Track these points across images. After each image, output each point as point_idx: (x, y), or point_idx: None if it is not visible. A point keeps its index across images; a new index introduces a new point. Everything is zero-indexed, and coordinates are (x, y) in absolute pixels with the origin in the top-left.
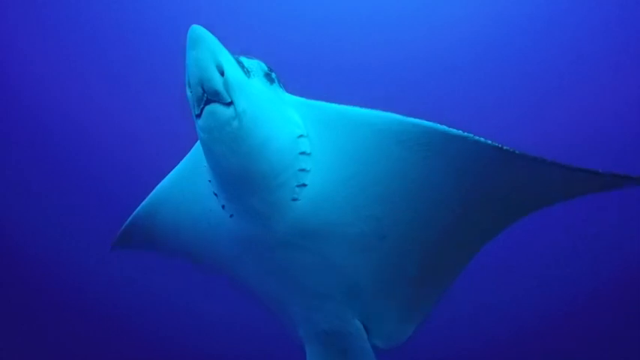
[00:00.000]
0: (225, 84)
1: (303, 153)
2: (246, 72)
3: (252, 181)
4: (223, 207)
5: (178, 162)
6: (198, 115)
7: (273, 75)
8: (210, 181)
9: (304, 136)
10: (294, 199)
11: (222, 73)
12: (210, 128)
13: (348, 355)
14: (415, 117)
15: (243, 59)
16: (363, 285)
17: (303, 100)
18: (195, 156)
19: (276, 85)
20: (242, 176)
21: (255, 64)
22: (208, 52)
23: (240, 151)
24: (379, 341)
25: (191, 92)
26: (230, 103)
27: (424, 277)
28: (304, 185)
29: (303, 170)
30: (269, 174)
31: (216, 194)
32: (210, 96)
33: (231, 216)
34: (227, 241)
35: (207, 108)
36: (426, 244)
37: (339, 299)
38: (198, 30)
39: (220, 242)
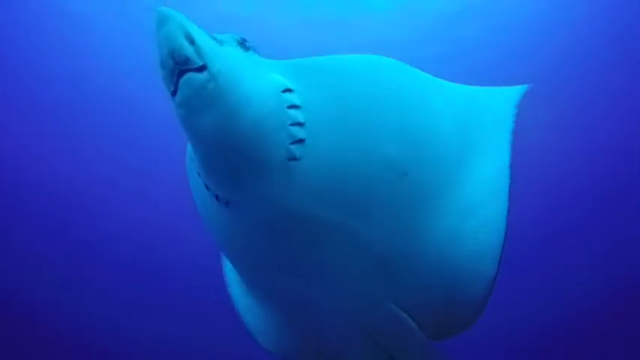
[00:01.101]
0: (197, 50)
1: (292, 106)
2: (219, 41)
3: (238, 148)
4: (217, 197)
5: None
6: (174, 92)
7: (247, 43)
8: (199, 173)
9: (291, 90)
10: (292, 159)
11: (192, 42)
12: (187, 99)
13: (401, 355)
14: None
15: (215, 34)
16: (397, 253)
17: (284, 61)
18: (187, 161)
19: (252, 52)
20: (226, 146)
21: (227, 36)
22: (175, 25)
23: (219, 114)
24: (431, 330)
25: (164, 71)
26: (203, 67)
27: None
28: (301, 141)
29: (296, 124)
30: (254, 135)
31: (207, 186)
32: (183, 65)
33: (227, 204)
34: (231, 241)
35: (182, 79)
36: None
37: (373, 283)
38: (164, 10)
39: (227, 244)
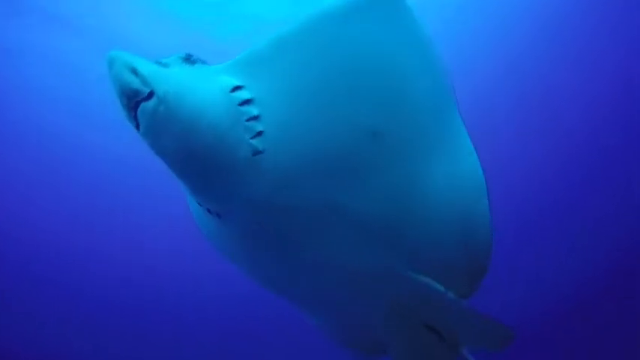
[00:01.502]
0: (142, 80)
1: (244, 102)
2: (163, 65)
3: (204, 157)
4: (209, 212)
5: None
6: (137, 126)
7: (193, 57)
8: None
9: (240, 86)
10: (257, 153)
11: (136, 74)
12: (146, 128)
13: (439, 322)
14: None
15: (161, 59)
16: (391, 216)
17: (230, 61)
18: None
19: (198, 64)
20: (193, 158)
21: (172, 57)
22: (121, 63)
23: (177, 132)
24: (455, 288)
25: (124, 110)
26: (151, 94)
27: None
28: (260, 133)
29: (251, 119)
30: (214, 140)
31: (200, 204)
32: (136, 98)
33: (219, 216)
34: (235, 251)
35: (137, 112)
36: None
37: (382, 253)
38: (111, 53)
39: (232, 255)
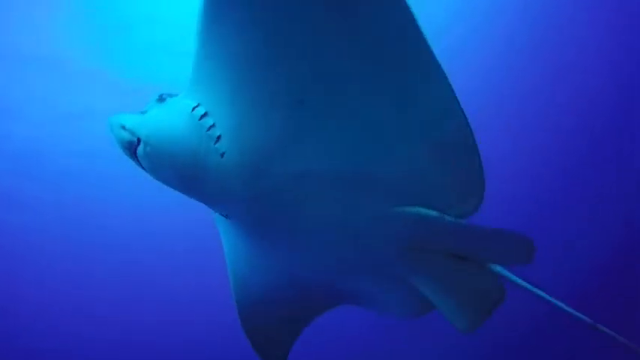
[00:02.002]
0: (130, 132)
1: (202, 116)
2: (143, 112)
3: (189, 173)
4: (223, 215)
5: None
6: (143, 167)
7: (164, 95)
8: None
9: (199, 104)
10: (223, 154)
11: (125, 129)
12: (147, 166)
13: (454, 247)
14: None
15: (145, 107)
16: (362, 162)
17: (189, 84)
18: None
19: (168, 99)
20: (183, 176)
21: (150, 102)
22: (114, 125)
23: (166, 161)
24: (453, 212)
25: (132, 160)
26: (139, 139)
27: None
28: (219, 138)
29: (210, 127)
30: (191, 156)
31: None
32: (131, 148)
33: (227, 217)
34: (253, 251)
35: (137, 157)
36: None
37: (370, 201)
38: (109, 119)
39: (249, 249)
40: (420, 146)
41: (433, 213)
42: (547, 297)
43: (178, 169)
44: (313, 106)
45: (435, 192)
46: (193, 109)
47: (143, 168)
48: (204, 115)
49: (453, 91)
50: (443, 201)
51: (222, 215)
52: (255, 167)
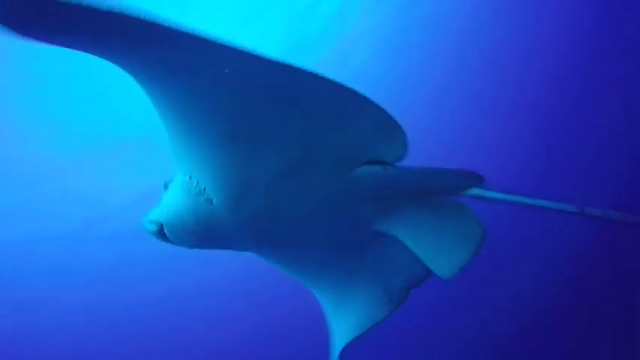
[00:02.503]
0: (155, 222)
1: (189, 181)
2: (160, 204)
3: (201, 229)
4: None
5: None
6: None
7: (167, 184)
8: None
9: (184, 174)
10: (211, 201)
11: (151, 222)
12: (175, 241)
13: (413, 192)
14: None
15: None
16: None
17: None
18: None
19: (170, 184)
20: (199, 233)
21: (162, 192)
22: (145, 222)
23: (182, 229)
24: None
25: (164, 242)
26: (162, 225)
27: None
28: (204, 189)
29: (196, 186)
30: (193, 215)
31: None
32: (161, 234)
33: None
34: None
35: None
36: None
37: (328, 177)
38: (142, 221)
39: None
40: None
41: (375, 167)
42: (528, 201)
43: (191, 230)
44: (240, 141)
45: (364, 149)
46: (186, 182)
47: (174, 244)
48: (189, 178)
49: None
50: (377, 154)
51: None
52: (237, 199)
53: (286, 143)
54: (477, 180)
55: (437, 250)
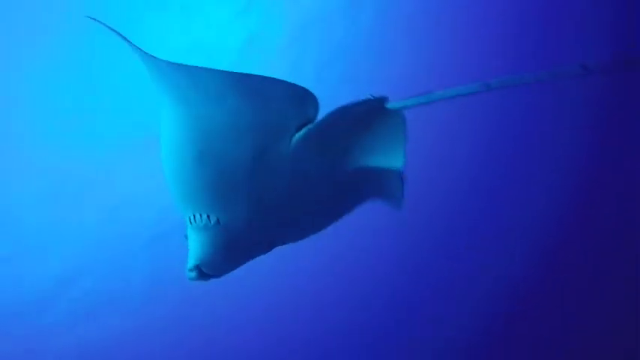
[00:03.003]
0: (193, 268)
1: (194, 216)
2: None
3: (222, 251)
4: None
5: None
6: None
7: (185, 234)
8: None
9: (191, 217)
10: (218, 220)
11: (192, 269)
12: (214, 275)
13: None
14: None
15: None
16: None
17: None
18: None
19: (189, 227)
20: (225, 253)
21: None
22: (186, 272)
23: (212, 260)
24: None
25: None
26: (197, 267)
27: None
28: (209, 216)
29: (201, 216)
30: (210, 243)
31: None
32: (201, 274)
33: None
34: None
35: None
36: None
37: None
38: (186, 273)
39: None
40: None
41: (304, 128)
42: (442, 95)
43: (219, 257)
44: (214, 153)
45: (291, 119)
46: (190, 219)
47: (218, 276)
48: (192, 218)
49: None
50: (297, 120)
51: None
52: (229, 205)
53: (239, 141)
54: (382, 101)
55: (385, 152)
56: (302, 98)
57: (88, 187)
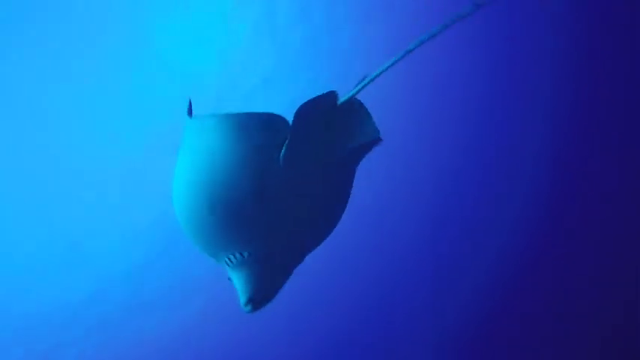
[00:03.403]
0: (247, 302)
1: (228, 259)
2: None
3: (260, 277)
4: None
5: None
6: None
7: (229, 278)
8: None
9: (226, 261)
10: (246, 255)
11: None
12: (266, 302)
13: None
14: None
15: None
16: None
17: None
18: None
19: (231, 278)
20: (278, 285)
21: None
22: (244, 310)
23: (267, 292)
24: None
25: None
26: (251, 298)
27: None
28: (241, 255)
29: (234, 255)
30: (248, 277)
31: None
32: (256, 304)
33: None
34: None
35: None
36: None
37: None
38: (244, 311)
39: None
40: None
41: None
42: (376, 73)
43: (262, 282)
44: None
45: (267, 144)
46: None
47: (271, 300)
48: (227, 261)
49: None
50: (278, 139)
51: None
52: (266, 240)
53: (241, 177)
54: (333, 96)
55: (357, 132)
56: (274, 123)
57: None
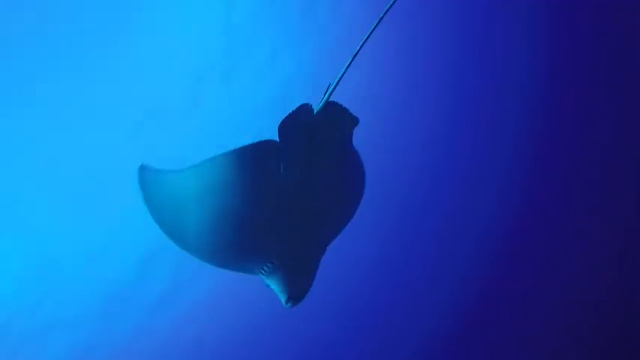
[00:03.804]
0: (286, 301)
1: (260, 273)
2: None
3: (290, 279)
4: None
5: None
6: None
7: (267, 284)
8: None
9: (261, 271)
10: (273, 263)
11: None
12: (300, 300)
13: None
14: None
15: None
16: None
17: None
18: None
19: (268, 284)
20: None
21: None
22: (285, 307)
23: (302, 287)
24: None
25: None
26: (289, 298)
27: None
28: (272, 265)
29: (265, 266)
30: (280, 279)
31: None
32: (292, 302)
33: None
34: None
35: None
36: None
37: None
38: (286, 308)
39: None
40: None
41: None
42: (337, 79)
43: (295, 282)
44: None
45: (267, 162)
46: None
47: (305, 295)
48: (262, 272)
49: None
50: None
51: None
52: (289, 245)
53: (252, 200)
54: (307, 108)
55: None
56: (263, 147)
57: None
